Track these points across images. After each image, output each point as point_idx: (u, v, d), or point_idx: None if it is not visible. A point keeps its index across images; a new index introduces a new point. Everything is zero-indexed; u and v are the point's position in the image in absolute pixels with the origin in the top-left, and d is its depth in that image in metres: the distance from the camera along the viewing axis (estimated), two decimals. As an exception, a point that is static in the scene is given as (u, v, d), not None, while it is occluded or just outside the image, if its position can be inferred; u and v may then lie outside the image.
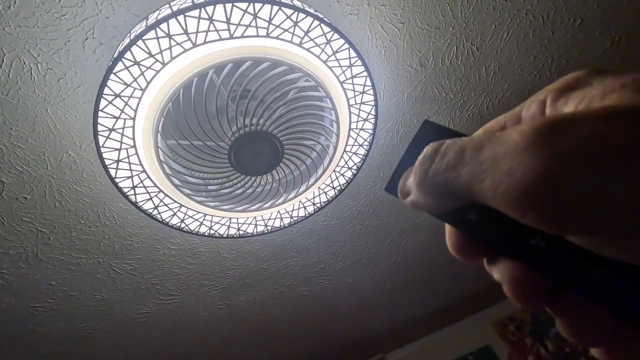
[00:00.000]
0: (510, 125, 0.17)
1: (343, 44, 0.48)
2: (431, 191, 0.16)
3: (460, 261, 0.18)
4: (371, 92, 0.54)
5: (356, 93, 0.54)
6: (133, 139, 0.48)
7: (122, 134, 0.47)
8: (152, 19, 0.40)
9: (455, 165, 0.14)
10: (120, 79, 0.42)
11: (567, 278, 0.14)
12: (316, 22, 0.44)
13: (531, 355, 1.49)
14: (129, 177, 0.52)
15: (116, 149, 0.48)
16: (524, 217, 0.12)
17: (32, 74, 0.55)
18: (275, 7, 0.42)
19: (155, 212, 0.57)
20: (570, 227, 0.12)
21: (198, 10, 0.40)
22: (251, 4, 0.41)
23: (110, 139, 0.47)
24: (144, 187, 0.53)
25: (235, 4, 0.40)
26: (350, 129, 0.58)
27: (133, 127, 0.47)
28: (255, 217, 0.66)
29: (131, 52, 0.40)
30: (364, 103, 0.56)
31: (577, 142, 0.11)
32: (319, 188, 0.66)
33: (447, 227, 0.17)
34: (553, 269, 0.14)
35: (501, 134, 0.13)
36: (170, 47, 0.41)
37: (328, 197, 0.68)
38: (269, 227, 0.68)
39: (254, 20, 0.42)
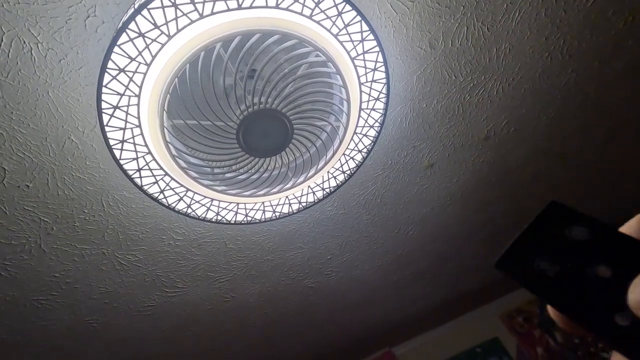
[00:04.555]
0: None
1: (355, 17, 0.46)
2: None
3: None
4: (383, 69, 0.52)
5: (367, 70, 0.52)
6: (138, 117, 0.46)
7: (127, 112, 0.45)
8: (157, -13, 0.38)
9: None
10: (125, 52, 0.40)
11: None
12: (327, -8, 0.42)
13: (540, 346, 1.47)
14: (134, 159, 0.50)
15: (121, 128, 0.46)
16: None
17: (33, 55, 0.53)
18: (285, -24, 0.40)
19: (161, 196, 0.55)
20: None
21: (205, -21, 0.38)
22: (260, -28, 0.39)
23: (115, 117, 0.45)
24: (150, 169, 0.52)
25: (243, -28, 0.38)
26: (360, 108, 0.56)
27: (138, 104, 0.45)
28: (263, 203, 0.64)
29: (136, 22, 0.39)
30: (375, 81, 0.54)
31: None
32: (328, 172, 0.64)
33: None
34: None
35: None
36: (176, 18, 0.40)
37: (337, 182, 0.66)
38: (277, 213, 0.67)
39: (263, -11, 0.40)
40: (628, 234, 0.16)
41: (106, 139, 0.47)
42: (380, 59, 0.51)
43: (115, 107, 0.44)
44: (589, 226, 0.15)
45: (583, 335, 1.33)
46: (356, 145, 0.61)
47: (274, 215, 0.67)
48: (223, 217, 0.63)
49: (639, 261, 0.15)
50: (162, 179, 0.54)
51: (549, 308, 0.17)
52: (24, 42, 0.52)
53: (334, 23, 0.46)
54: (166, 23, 0.40)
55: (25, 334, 0.89)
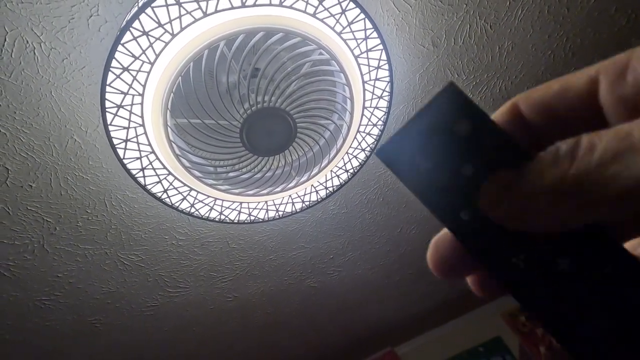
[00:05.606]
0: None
1: (358, 14, 0.46)
2: (570, 197, 0.12)
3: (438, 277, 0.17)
4: (386, 67, 0.52)
5: (371, 68, 0.52)
6: (142, 116, 0.46)
7: (130, 111, 0.45)
8: (161, -15, 0.38)
9: (615, 157, 0.11)
10: (129, 50, 0.40)
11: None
12: (331, -10, 0.42)
13: (543, 345, 1.47)
14: (137, 158, 0.50)
15: (124, 128, 0.46)
16: None
17: (36, 54, 0.53)
18: (289, -26, 0.40)
19: (164, 195, 0.55)
20: None
21: (208, -23, 0.38)
22: (264, -30, 0.39)
23: (118, 116, 0.45)
24: (153, 169, 0.51)
25: (247, -30, 0.38)
26: (364, 107, 0.56)
27: (142, 103, 0.45)
28: (266, 202, 0.64)
29: (139, 20, 0.39)
30: (378, 79, 0.54)
31: None
32: (331, 171, 0.64)
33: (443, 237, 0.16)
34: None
35: None
36: (180, 16, 0.40)
37: (340, 181, 0.66)
38: (280, 212, 0.66)
39: (267, -13, 0.40)
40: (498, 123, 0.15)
41: (110, 138, 0.47)
42: (384, 56, 0.51)
43: (119, 106, 0.44)
44: (474, 120, 0.14)
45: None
46: (359, 143, 0.61)
47: (277, 214, 0.67)
48: (226, 216, 0.63)
49: (500, 158, 0.14)
50: (165, 178, 0.54)
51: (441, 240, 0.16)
52: (27, 41, 0.52)
53: (337, 21, 0.46)
54: (170, 21, 0.40)
55: (28, 334, 0.89)
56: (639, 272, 0.12)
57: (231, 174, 0.56)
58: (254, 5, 0.41)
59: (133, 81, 0.43)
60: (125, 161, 0.49)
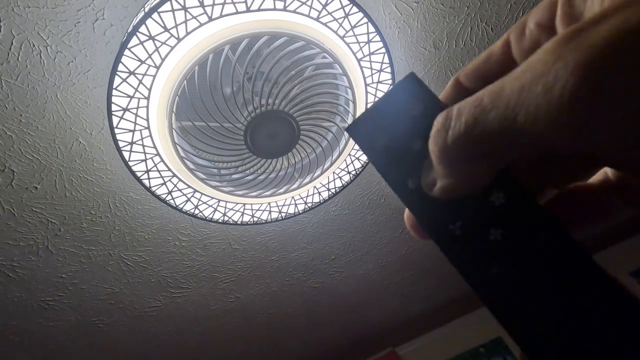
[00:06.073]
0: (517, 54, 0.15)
1: (361, 18, 0.46)
2: (458, 161, 0.14)
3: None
4: (389, 69, 0.52)
5: (373, 71, 0.52)
6: (147, 119, 0.46)
7: (136, 114, 0.46)
8: (167, -10, 0.39)
9: (476, 119, 0.13)
10: (135, 55, 0.41)
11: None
12: (335, -6, 0.43)
13: (544, 346, 1.47)
14: (142, 161, 0.50)
15: (130, 130, 0.47)
16: (579, 136, 0.11)
17: (42, 58, 0.54)
18: (293, -21, 0.40)
19: (169, 197, 0.56)
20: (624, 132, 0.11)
21: (213, -18, 0.38)
22: (268, -25, 0.39)
23: (124, 119, 0.46)
24: (158, 170, 0.52)
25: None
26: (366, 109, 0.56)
27: (147, 107, 0.45)
28: (269, 203, 0.64)
29: (146, 25, 0.39)
30: (381, 82, 0.54)
31: (618, 35, 0.10)
32: (333, 173, 0.64)
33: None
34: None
35: (523, 64, 0.12)
36: (185, 21, 0.40)
37: (343, 182, 0.66)
38: (283, 214, 0.67)
39: (271, -8, 0.40)
40: (444, 101, 0.16)
41: (115, 141, 0.48)
42: (386, 60, 0.52)
43: (125, 110, 0.45)
44: (425, 101, 0.16)
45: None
46: (362, 145, 0.61)
47: (280, 215, 0.67)
48: (230, 217, 0.64)
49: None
50: (170, 180, 0.54)
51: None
52: (34, 45, 0.53)
53: (340, 25, 0.46)
54: (176, 26, 0.40)
55: (32, 334, 0.89)
56: (567, 240, 0.13)
57: (235, 176, 0.56)
58: (259, 9, 0.41)
59: (139, 84, 0.43)
60: (130, 163, 0.50)
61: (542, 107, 0.11)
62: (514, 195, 0.15)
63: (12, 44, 0.52)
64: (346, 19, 0.46)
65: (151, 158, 0.51)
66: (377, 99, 0.17)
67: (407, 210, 0.18)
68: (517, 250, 0.14)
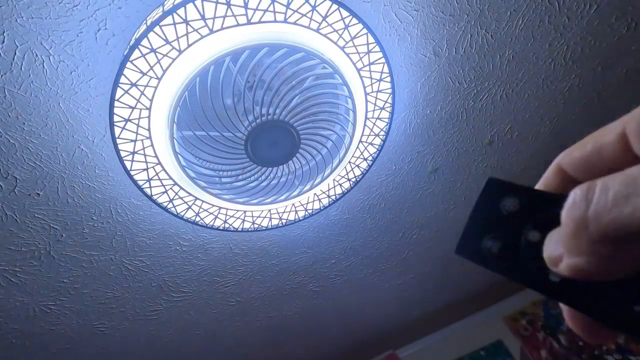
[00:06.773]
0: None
1: (361, 29, 0.47)
2: (599, 239, 0.13)
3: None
4: (388, 79, 0.53)
5: (373, 81, 0.53)
6: (149, 129, 0.47)
7: (138, 125, 0.46)
8: (168, 4, 0.39)
9: (628, 195, 0.12)
10: (137, 67, 0.41)
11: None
12: (335, 6, 0.43)
13: (544, 349, 1.47)
14: (144, 170, 0.51)
15: (132, 140, 0.47)
16: None
17: (45, 67, 0.54)
18: (293, -8, 0.41)
19: (170, 205, 0.56)
20: None
21: (215, -5, 0.39)
22: (269, -12, 0.40)
23: (126, 129, 0.46)
24: (159, 179, 0.52)
25: (252, -12, 0.39)
26: (366, 118, 0.57)
27: (149, 117, 0.46)
28: (269, 210, 0.65)
29: (148, 39, 0.40)
30: (380, 91, 0.55)
31: None
32: (333, 180, 0.65)
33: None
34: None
35: None
36: (187, 34, 0.41)
37: (343, 189, 0.66)
38: (283, 220, 0.67)
39: (271, 5, 0.41)
40: (545, 188, 0.16)
41: (117, 151, 0.48)
42: (386, 70, 0.52)
43: (127, 120, 0.45)
44: (518, 195, 0.16)
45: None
46: (362, 153, 0.62)
47: (280, 222, 0.68)
48: (230, 224, 0.64)
49: (556, 214, 0.14)
50: (171, 188, 0.55)
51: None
52: (36, 55, 0.53)
53: (340, 36, 0.47)
54: (177, 39, 0.41)
55: (34, 338, 0.90)
56: None
57: (236, 184, 0.57)
58: (259, 22, 0.42)
59: (141, 96, 0.44)
60: (132, 172, 0.50)
61: None
62: None
63: (15, 54, 0.52)
64: (346, 30, 0.46)
65: (152, 167, 0.51)
66: (467, 217, 0.17)
67: (566, 312, 0.16)
68: None
